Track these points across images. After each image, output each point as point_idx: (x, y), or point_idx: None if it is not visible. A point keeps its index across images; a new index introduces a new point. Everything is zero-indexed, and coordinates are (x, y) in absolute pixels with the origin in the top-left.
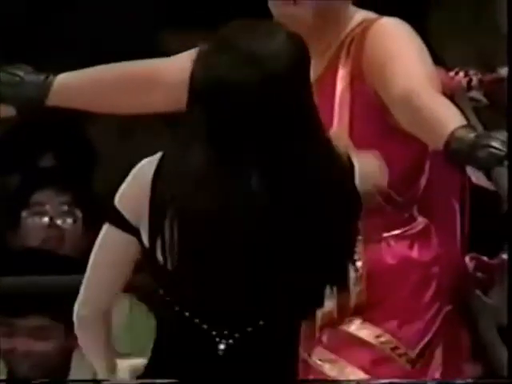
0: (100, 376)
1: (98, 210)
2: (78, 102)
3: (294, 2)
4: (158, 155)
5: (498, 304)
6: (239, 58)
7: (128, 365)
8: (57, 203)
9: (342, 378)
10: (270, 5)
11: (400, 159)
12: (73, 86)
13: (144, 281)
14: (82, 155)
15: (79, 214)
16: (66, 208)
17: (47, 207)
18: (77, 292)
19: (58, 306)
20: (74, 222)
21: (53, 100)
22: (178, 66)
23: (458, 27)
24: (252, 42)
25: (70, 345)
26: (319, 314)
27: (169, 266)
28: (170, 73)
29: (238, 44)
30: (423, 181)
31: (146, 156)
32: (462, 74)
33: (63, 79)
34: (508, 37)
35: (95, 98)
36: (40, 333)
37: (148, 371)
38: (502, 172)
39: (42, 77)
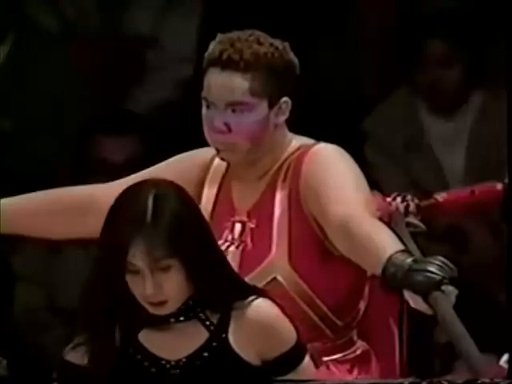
0: None
1: None
2: (10, 228)
3: (229, 131)
4: None
5: None
6: None
7: None
8: None
9: None
10: (206, 133)
11: (339, 284)
12: (6, 212)
13: None
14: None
15: None
16: None
17: None
18: None
19: None
20: None
21: None
22: (116, 192)
23: (392, 154)
24: None
25: None
26: None
27: None
28: (106, 199)
29: None
30: (362, 305)
31: None
32: (399, 199)
33: None
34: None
35: (30, 223)
36: None
37: None
38: (438, 296)
39: None
